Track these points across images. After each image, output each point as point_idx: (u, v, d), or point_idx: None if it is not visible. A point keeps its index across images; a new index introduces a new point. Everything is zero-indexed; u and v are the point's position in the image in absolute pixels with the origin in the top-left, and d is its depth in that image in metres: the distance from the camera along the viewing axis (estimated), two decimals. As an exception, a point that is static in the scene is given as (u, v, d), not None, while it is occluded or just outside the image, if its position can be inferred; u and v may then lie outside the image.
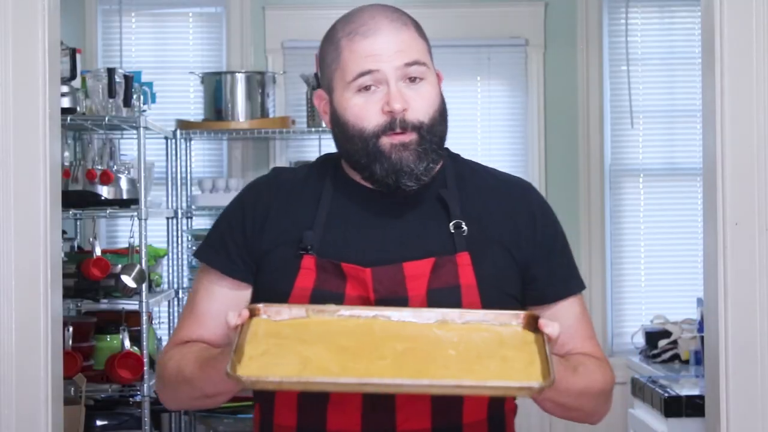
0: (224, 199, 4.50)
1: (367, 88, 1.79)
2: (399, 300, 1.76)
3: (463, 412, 1.78)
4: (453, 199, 1.84)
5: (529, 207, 1.88)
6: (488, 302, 1.78)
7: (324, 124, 2.37)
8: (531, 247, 1.85)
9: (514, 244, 1.84)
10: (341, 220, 1.84)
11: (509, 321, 1.68)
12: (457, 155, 1.94)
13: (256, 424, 1.87)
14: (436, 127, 1.81)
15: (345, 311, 1.69)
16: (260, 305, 1.69)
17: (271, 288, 1.82)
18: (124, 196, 4.17)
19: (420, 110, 1.79)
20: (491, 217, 1.85)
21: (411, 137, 1.78)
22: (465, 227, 1.81)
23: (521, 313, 1.69)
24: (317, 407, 1.77)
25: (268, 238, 1.84)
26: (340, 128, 1.83)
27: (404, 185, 1.79)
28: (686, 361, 4.73)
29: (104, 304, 4.20)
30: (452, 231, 1.81)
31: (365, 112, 1.79)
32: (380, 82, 1.78)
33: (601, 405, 1.85)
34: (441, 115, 1.82)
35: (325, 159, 1.95)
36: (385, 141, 1.78)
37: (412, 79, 1.80)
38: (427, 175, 1.80)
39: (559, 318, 1.83)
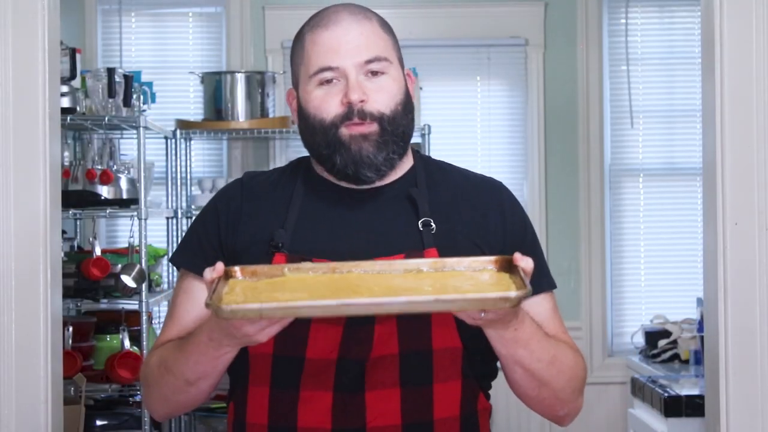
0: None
1: (329, 81, 1.81)
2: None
3: (434, 409, 1.78)
4: (422, 198, 1.85)
5: (498, 205, 1.90)
6: None
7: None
8: (500, 244, 1.85)
9: (484, 242, 1.85)
10: (312, 218, 1.85)
11: (484, 266, 1.69)
12: (428, 157, 1.97)
13: (230, 423, 1.87)
14: (398, 120, 1.82)
15: (321, 267, 1.70)
16: (236, 267, 1.69)
17: None
18: (124, 196, 4.16)
19: (380, 102, 1.81)
20: (461, 216, 1.86)
21: (371, 128, 1.80)
22: (434, 225, 1.83)
23: (494, 257, 1.70)
24: (288, 405, 1.78)
25: (241, 239, 1.86)
26: (303, 121, 1.86)
27: (364, 176, 1.82)
28: (686, 361, 4.74)
29: (104, 304, 4.19)
30: (421, 229, 1.82)
31: (325, 104, 1.81)
32: (341, 76, 1.81)
33: (571, 392, 1.83)
34: (404, 110, 1.84)
35: (298, 161, 1.97)
36: (345, 131, 1.80)
37: (374, 73, 1.82)
38: (387, 166, 1.83)
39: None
